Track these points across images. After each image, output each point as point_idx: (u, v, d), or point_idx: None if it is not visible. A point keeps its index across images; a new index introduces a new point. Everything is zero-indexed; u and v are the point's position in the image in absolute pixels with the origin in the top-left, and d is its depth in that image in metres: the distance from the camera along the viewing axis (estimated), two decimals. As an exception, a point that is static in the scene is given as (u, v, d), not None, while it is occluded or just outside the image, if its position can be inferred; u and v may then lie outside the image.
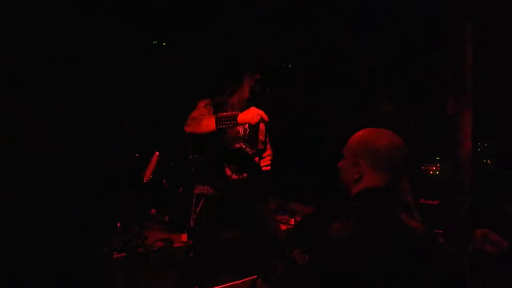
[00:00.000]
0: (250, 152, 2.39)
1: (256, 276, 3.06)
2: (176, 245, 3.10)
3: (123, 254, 2.69)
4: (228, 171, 2.32)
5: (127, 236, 3.12)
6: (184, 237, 3.17)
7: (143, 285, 2.70)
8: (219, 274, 3.04)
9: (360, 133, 1.16)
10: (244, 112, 2.08)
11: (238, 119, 2.05)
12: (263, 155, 2.30)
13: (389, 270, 0.92)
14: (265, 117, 2.06)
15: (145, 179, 4.07)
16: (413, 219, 1.04)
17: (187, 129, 2.22)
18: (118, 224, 2.95)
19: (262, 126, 2.40)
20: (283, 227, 3.55)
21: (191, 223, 2.30)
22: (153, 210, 4.14)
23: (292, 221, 3.96)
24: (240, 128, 2.37)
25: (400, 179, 1.11)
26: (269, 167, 2.30)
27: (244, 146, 2.38)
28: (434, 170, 4.80)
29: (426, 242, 1.00)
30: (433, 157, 4.72)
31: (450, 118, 1.83)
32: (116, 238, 2.81)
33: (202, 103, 2.29)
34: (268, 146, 2.39)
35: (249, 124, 2.14)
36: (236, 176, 2.33)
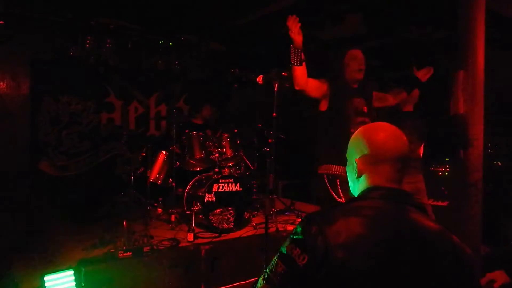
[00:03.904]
0: None
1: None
2: (182, 244, 3.09)
3: (129, 253, 2.70)
4: None
5: (133, 236, 3.13)
6: (190, 236, 3.16)
7: (150, 284, 2.70)
8: (224, 273, 3.03)
9: (355, 132, 1.13)
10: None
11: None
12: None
13: (390, 269, 0.88)
14: None
15: (152, 178, 4.08)
16: (429, 219, 1.00)
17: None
18: (125, 223, 2.95)
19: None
20: (290, 227, 3.53)
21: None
22: (160, 210, 4.14)
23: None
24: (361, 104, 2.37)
25: (403, 175, 1.07)
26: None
27: (367, 121, 2.34)
28: (443, 171, 4.73)
29: (441, 241, 0.96)
30: (442, 157, 4.65)
31: (460, 117, 1.79)
32: (122, 237, 2.82)
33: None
34: None
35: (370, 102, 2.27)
36: None
